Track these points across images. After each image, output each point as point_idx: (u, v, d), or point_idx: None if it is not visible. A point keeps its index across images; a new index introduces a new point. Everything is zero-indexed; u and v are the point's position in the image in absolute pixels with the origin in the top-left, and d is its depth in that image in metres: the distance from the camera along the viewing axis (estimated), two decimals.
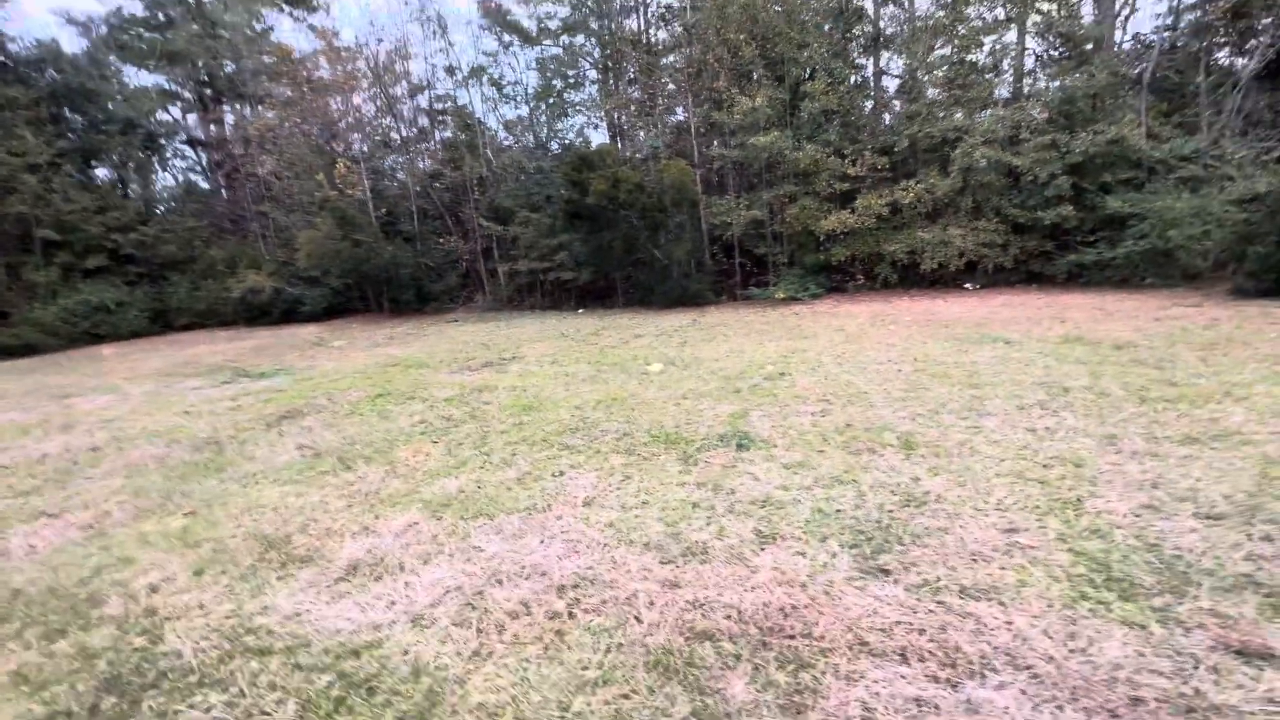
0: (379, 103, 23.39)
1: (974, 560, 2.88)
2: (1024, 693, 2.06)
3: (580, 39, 24.11)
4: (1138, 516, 3.17)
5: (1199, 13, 15.75)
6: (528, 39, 24.19)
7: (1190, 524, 3.06)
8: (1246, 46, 15.71)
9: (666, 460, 4.53)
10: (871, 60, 20.34)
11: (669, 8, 22.62)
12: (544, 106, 24.59)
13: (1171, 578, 2.63)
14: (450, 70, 23.64)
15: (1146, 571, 2.68)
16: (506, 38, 24.26)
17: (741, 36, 16.49)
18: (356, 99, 23.02)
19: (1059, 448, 4.18)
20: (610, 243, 16.45)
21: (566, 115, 25.10)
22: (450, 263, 22.56)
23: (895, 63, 20.12)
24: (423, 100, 24.58)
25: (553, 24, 24.09)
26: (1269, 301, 9.35)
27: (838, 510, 3.51)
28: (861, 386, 6.22)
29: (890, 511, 3.43)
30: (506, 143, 24.68)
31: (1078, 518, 3.20)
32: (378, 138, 24.22)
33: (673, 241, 16.36)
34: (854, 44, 19.76)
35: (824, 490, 3.80)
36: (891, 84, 20.18)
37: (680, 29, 19.98)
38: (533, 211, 19.51)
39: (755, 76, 17.10)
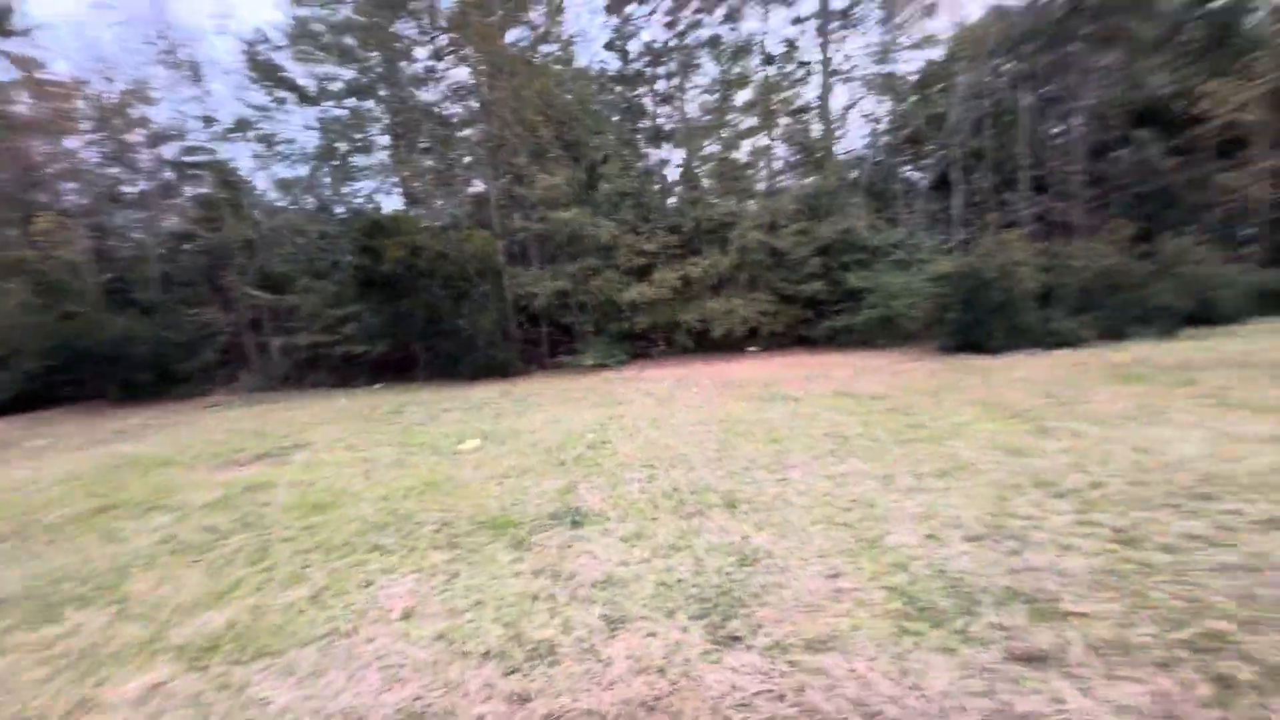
0: (107, 149, 19.58)
1: (811, 611, 3.03)
2: None
3: (369, 103, 23.10)
4: (925, 546, 3.65)
5: (889, 137, 20.58)
6: (306, 98, 22.47)
7: (961, 548, 3.60)
8: (922, 165, 20.87)
9: (496, 549, 4.13)
10: (655, 150, 22.72)
11: (462, 84, 22.93)
12: (327, 168, 22.78)
13: (961, 600, 3.02)
14: (207, 120, 20.84)
15: (943, 597, 3.06)
16: (280, 93, 22.26)
17: (539, 118, 17.27)
18: (72, 142, 19.00)
19: (854, 491, 4.71)
20: (410, 312, 15.44)
21: (354, 179, 23.53)
22: (206, 337, 19.11)
23: (676, 154, 22.71)
24: (169, 150, 21.18)
25: (335, 86, 22.79)
26: (965, 355, 12.04)
27: (679, 580, 3.48)
28: (680, 449, 6.47)
29: (729, 574, 3.50)
30: (280, 203, 22.22)
31: (882, 555, 3.58)
32: (101, 190, 20.11)
33: (478, 311, 15.91)
34: (640, 135, 21.94)
35: (663, 560, 3.76)
36: (674, 172, 22.66)
37: (477, 105, 20.28)
38: (316, 278, 17.61)
39: (553, 155, 17.92)
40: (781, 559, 3.63)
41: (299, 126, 24.49)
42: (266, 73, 21.54)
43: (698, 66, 22.26)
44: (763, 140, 21.50)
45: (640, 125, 22.23)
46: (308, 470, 6.85)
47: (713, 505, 4.65)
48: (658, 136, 22.44)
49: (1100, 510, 3.93)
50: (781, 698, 2.41)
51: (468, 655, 2.86)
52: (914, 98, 20.43)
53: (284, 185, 22.81)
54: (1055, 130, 19.65)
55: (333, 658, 2.93)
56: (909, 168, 21.39)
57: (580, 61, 21.72)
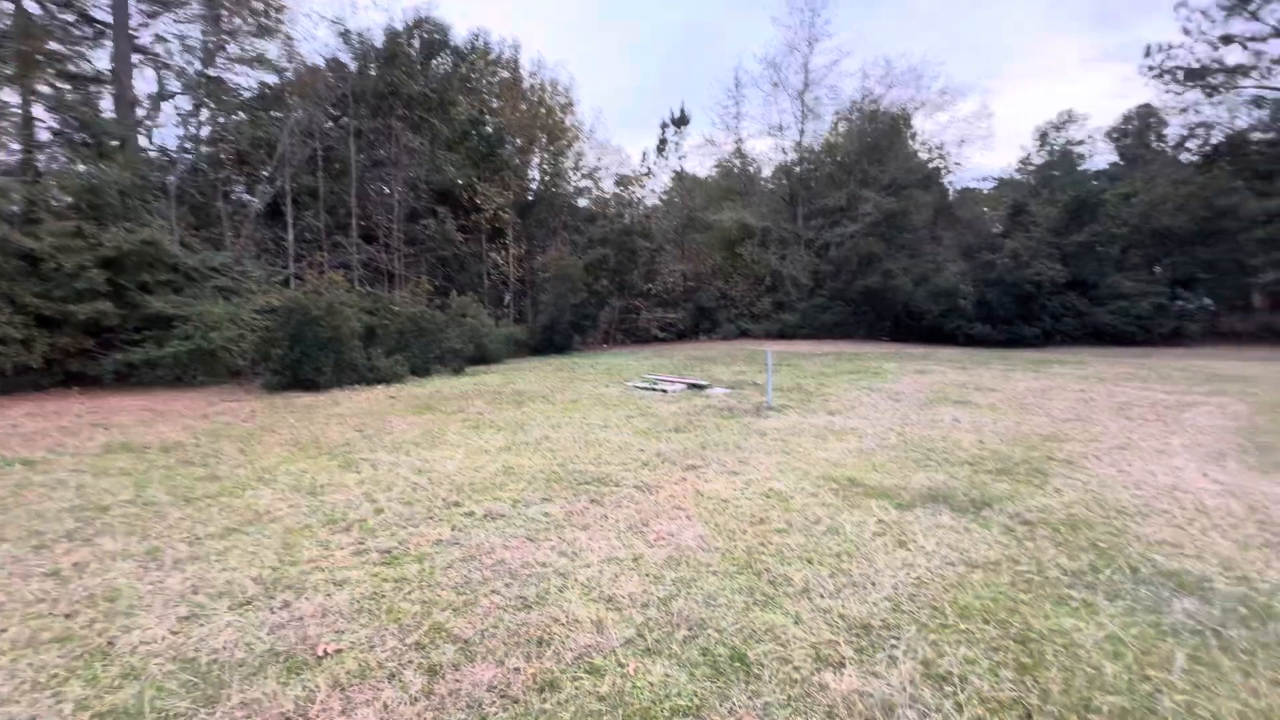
0: None
1: None
2: None
3: None
4: (177, 633, 3.01)
5: (214, 148, 18.28)
6: None
7: (226, 619, 3.16)
8: (255, 189, 19.44)
9: None
10: None
11: None
12: None
13: (207, 686, 2.58)
14: None
15: (183, 693, 2.53)
16: None
17: None
18: None
19: (91, 584, 3.53)
20: None
21: None
22: None
23: None
24: None
25: None
26: (290, 393, 11.63)
27: None
28: None
29: None
30: None
31: (108, 666, 2.73)
32: None
33: None
34: None
35: None
36: None
37: None
38: None
39: None
40: None
41: None
42: None
43: None
44: (11, 95, 15.17)
45: None
46: None
47: None
48: None
49: (376, 536, 4.28)
50: None
51: None
52: (245, 115, 18.94)
53: None
54: (385, 190, 22.17)
55: None
56: (240, 187, 19.59)
57: None
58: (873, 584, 3.48)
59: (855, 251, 27.50)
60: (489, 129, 24.61)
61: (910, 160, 30.99)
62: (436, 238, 21.53)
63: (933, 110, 32.80)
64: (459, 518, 4.65)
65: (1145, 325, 21.05)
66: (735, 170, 36.08)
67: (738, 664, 2.72)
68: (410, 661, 2.78)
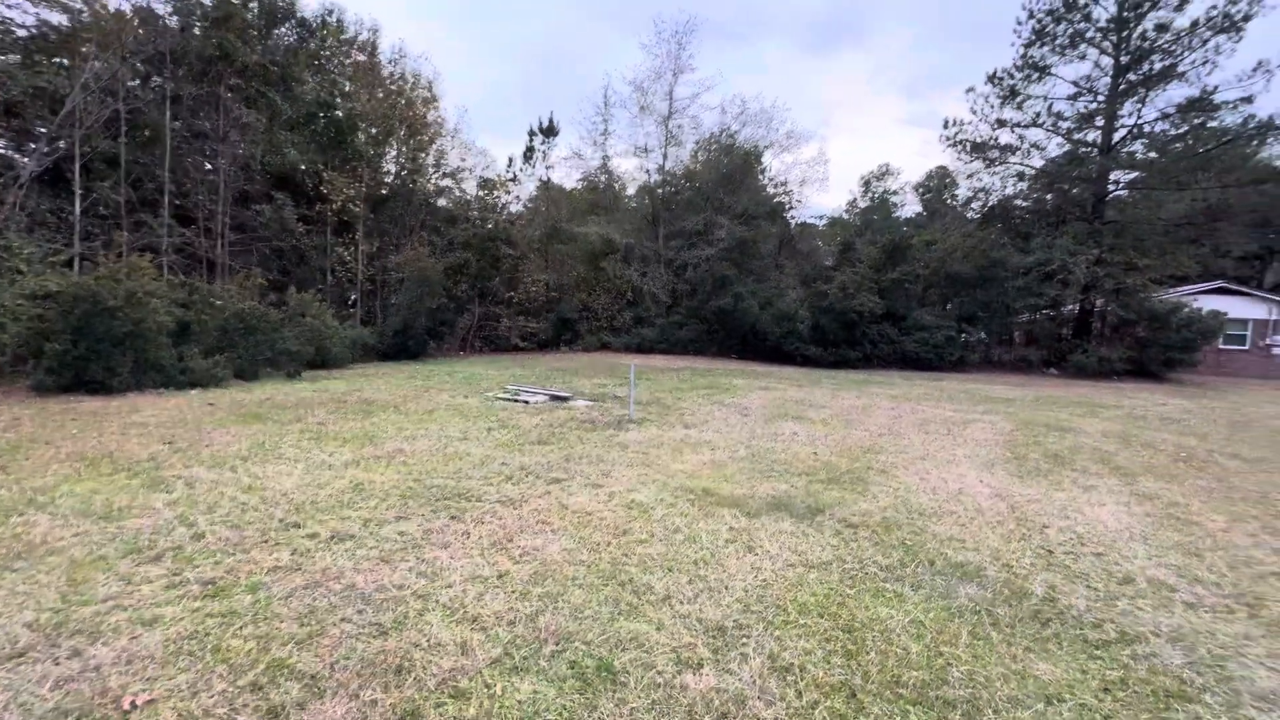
0: None
1: None
2: None
3: None
4: None
5: None
6: None
7: None
8: (26, 147, 16.02)
9: None
10: None
11: None
12: None
13: None
14: None
15: None
16: None
17: None
18: None
19: None
20: None
21: None
22: None
23: None
24: None
25: None
26: (71, 396, 9.72)
27: None
28: None
29: None
30: None
31: None
32: None
33: None
34: None
35: None
36: None
37: None
38: None
39: None
40: None
41: None
42: None
43: None
44: None
45: None
46: None
47: None
48: None
49: (195, 565, 3.76)
50: None
51: None
52: (18, 57, 15.61)
53: None
54: (207, 167, 19.40)
55: None
56: (5, 144, 16.05)
57: None
58: (726, 588, 3.76)
59: (710, 273, 29.29)
60: (339, 113, 22.68)
61: (760, 194, 33.79)
62: (272, 226, 19.30)
63: (780, 150, 36.15)
64: (300, 540, 4.23)
65: (939, 353, 24.85)
66: (601, 186, 36.72)
67: (604, 674, 2.80)
68: (245, 705, 2.50)
